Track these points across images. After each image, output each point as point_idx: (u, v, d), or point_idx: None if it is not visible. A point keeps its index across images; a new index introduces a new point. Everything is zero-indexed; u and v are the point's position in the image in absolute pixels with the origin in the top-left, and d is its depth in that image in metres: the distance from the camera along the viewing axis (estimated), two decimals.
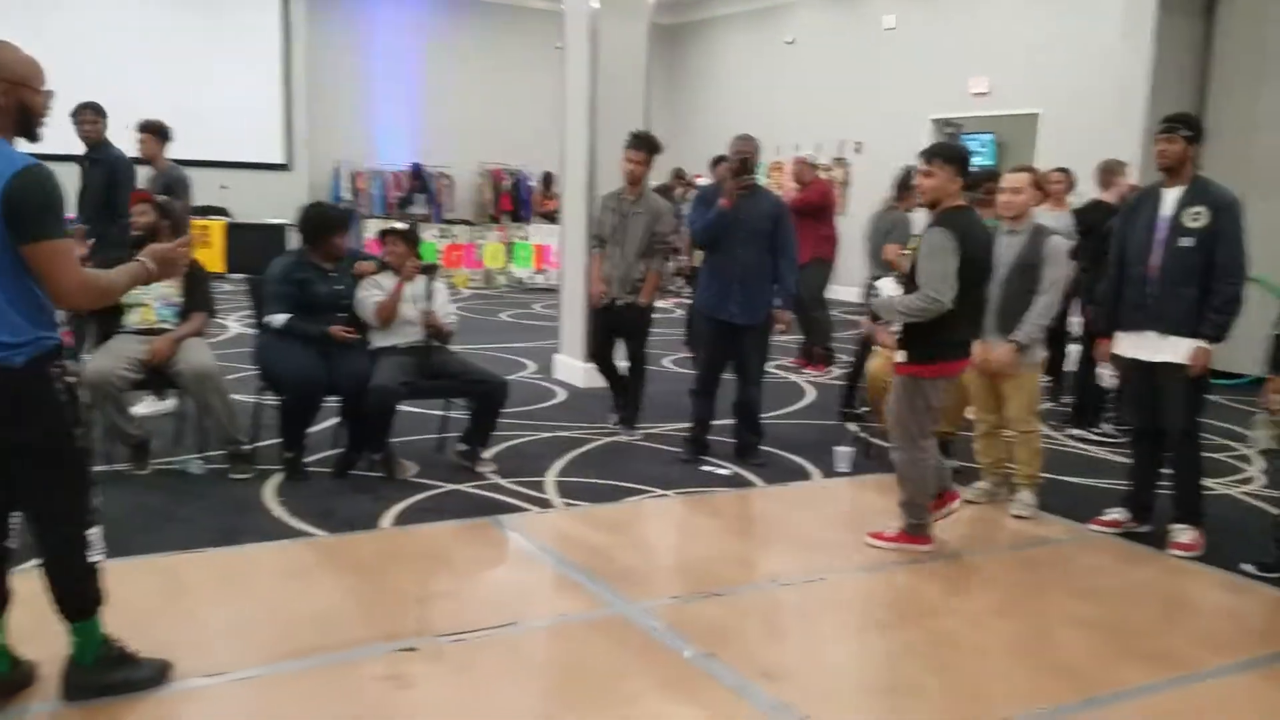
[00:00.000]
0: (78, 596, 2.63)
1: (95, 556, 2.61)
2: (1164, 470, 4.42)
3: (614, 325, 5.68)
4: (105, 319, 4.71)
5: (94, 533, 2.61)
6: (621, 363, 5.85)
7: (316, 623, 3.22)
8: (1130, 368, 4.37)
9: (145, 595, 3.33)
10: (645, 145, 5.49)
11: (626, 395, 5.84)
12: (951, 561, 4.09)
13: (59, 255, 2.40)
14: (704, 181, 9.22)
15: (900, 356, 3.99)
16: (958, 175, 3.89)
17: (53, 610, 2.63)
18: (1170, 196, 4.18)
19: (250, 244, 11.38)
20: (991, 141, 11.36)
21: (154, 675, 2.76)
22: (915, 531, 4.10)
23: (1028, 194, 4.56)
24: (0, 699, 2.63)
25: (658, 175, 9.96)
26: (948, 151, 3.97)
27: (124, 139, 6.58)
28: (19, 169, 2.36)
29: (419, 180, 14.14)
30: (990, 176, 6.42)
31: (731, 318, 5.20)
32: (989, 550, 4.32)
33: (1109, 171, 6.37)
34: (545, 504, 4.56)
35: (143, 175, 6.60)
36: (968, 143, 11.46)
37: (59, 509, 2.57)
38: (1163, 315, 4.15)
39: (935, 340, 3.90)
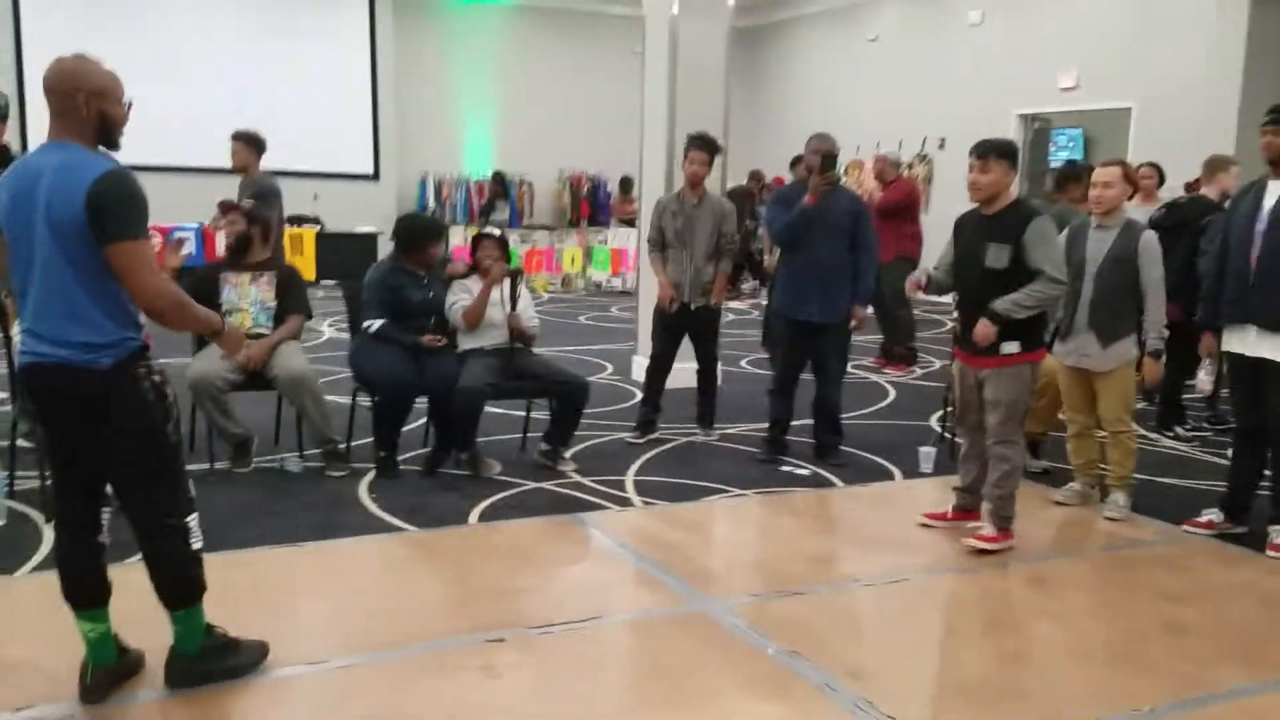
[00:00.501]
0: (181, 584, 2.69)
1: (196, 544, 2.68)
2: (1266, 471, 4.27)
3: (686, 328, 5.64)
4: None
5: (192, 520, 2.68)
6: (686, 365, 5.74)
7: (410, 614, 3.33)
8: (1232, 363, 4.24)
9: (246, 587, 3.48)
10: (708, 146, 5.47)
11: (657, 412, 5.68)
12: (1041, 563, 4.02)
13: (138, 256, 2.47)
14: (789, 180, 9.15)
15: (1013, 347, 3.97)
16: (1011, 169, 4.00)
17: (156, 599, 2.69)
18: (1275, 189, 4.07)
19: (340, 252, 11.73)
20: (1080, 136, 11.08)
21: (255, 660, 2.86)
22: (1007, 525, 4.11)
23: (1119, 188, 4.46)
24: (109, 687, 2.69)
25: (735, 176, 9.96)
26: (1002, 147, 4.02)
27: (224, 150, 6.88)
28: (101, 174, 2.45)
29: (501, 187, 14.40)
30: (1083, 170, 6.31)
31: (811, 317, 5.18)
32: (1080, 552, 4.23)
33: (1213, 167, 6.21)
34: (625, 502, 4.62)
35: (234, 184, 6.89)
36: (1056, 138, 11.23)
37: (156, 504, 2.63)
38: (1262, 310, 4.03)
39: (1039, 326, 4.05)
